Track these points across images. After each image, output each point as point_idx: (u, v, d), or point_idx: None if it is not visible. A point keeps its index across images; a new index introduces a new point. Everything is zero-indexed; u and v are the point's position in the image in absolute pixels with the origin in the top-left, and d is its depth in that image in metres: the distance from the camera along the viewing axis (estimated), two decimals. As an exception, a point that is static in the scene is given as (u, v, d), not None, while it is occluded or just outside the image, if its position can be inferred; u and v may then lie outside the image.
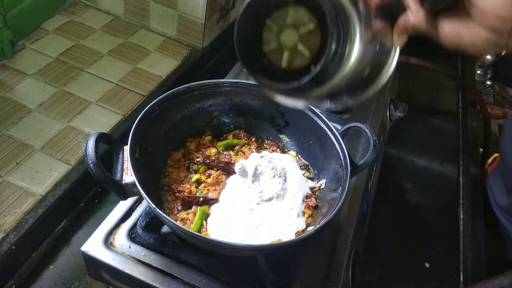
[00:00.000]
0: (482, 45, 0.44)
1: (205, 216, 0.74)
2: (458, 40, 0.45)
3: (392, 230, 0.95)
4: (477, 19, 0.43)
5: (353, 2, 0.47)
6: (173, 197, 0.77)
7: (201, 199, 0.76)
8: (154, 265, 0.71)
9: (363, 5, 0.47)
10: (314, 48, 0.49)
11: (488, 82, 1.89)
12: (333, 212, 0.67)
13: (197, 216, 0.73)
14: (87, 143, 0.66)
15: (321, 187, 0.82)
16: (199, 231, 0.72)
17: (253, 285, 0.70)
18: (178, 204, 0.76)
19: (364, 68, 0.50)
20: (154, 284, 0.69)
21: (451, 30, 0.45)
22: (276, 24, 0.51)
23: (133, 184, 0.67)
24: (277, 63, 0.52)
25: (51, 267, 0.81)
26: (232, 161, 0.83)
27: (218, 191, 0.78)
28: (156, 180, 0.79)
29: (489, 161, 1.27)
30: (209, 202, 0.76)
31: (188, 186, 0.79)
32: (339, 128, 0.82)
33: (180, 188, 0.78)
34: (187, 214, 0.75)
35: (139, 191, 0.65)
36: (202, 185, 0.79)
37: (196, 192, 0.78)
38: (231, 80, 0.88)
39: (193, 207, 0.75)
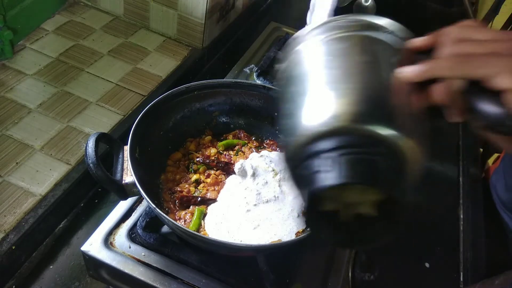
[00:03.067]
0: None
1: (203, 215, 0.74)
2: (498, 143, 0.46)
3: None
4: None
5: None
6: (172, 196, 0.77)
7: (199, 198, 0.76)
8: (154, 265, 0.71)
9: None
10: (378, 203, 0.46)
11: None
12: (333, 212, 0.67)
13: (195, 216, 0.73)
14: (87, 143, 0.66)
15: (321, 187, 0.82)
16: (198, 230, 0.72)
17: (253, 285, 0.70)
18: (177, 203, 0.76)
19: None
20: (154, 284, 0.69)
21: (494, 138, 0.46)
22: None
23: (133, 184, 0.67)
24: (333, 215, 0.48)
25: (51, 267, 0.81)
26: (232, 161, 0.83)
27: (218, 191, 0.78)
28: (156, 180, 0.79)
29: (492, 160, 1.27)
30: (207, 202, 0.76)
31: (187, 186, 0.79)
32: (339, 128, 0.81)
33: (179, 188, 0.78)
34: (185, 213, 0.75)
35: (139, 191, 0.65)
36: (202, 185, 0.79)
37: (195, 192, 0.78)
38: (231, 80, 0.88)
39: (191, 206, 0.75)
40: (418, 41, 0.49)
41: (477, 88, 0.42)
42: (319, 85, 0.47)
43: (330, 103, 0.44)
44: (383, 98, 0.45)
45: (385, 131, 0.42)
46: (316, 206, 0.46)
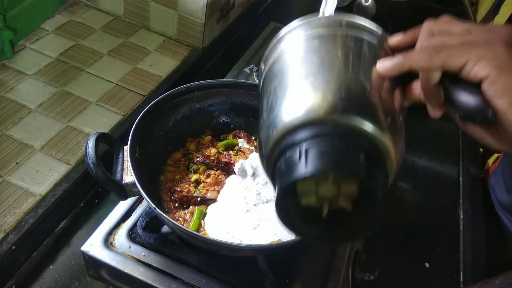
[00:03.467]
0: (503, 149, 0.45)
1: (203, 215, 0.74)
2: (480, 139, 0.46)
3: (392, 230, 0.95)
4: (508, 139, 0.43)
5: None
6: (172, 196, 0.77)
7: (199, 198, 0.76)
8: (154, 265, 0.71)
9: None
10: (354, 196, 0.46)
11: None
12: (333, 212, 0.67)
13: (195, 216, 0.73)
14: (87, 143, 0.66)
15: (321, 187, 0.82)
16: (197, 230, 0.72)
17: (253, 285, 0.70)
18: (176, 203, 0.76)
19: None
20: (154, 284, 0.69)
21: (475, 132, 0.46)
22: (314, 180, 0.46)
23: (133, 184, 0.67)
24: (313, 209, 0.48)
25: (51, 267, 0.81)
26: (232, 161, 0.83)
27: (218, 191, 0.78)
28: (156, 180, 0.79)
29: (491, 160, 1.27)
30: (207, 202, 0.76)
31: (187, 186, 0.79)
32: (339, 128, 0.81)
33: (179, 188, 0.78)
34: (185, 213, 0.75)
35: (139, 191, 0.65)
36: (202, 185, 0.79)
37: (195, 192, 0.78)
38: (231, 80, 0.88)
39: (191, 206, 0.76)
40: (397, 39, 0.49)
41: (453, 79, 0.43)
42: (296, 80, 0.47)
43: (306, 96, 0.44)
44: (361, 91, 0.45)
45: (360, 123, 0.41)
46: (289, 200, 0.46)
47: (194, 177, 0.80)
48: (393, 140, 0.43)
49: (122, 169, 0.70)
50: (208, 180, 0.79)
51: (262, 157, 0.48)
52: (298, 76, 0.47)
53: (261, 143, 0.47)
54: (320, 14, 0.61)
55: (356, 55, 0.48)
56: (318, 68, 0.46)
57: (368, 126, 0.42)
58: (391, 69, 0.46)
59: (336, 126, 0.42)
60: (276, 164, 0.45)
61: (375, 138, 0.42)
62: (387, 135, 0.43)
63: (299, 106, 0.43)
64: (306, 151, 0.41)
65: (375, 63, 0.47)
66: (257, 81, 0.68)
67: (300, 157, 0.41)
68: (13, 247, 0.77)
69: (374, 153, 0.42)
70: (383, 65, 0.46)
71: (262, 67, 0.53)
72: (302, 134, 0.42)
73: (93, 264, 0.72)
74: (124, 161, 0.71)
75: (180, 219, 0.74)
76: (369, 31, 0.50)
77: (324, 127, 0.42)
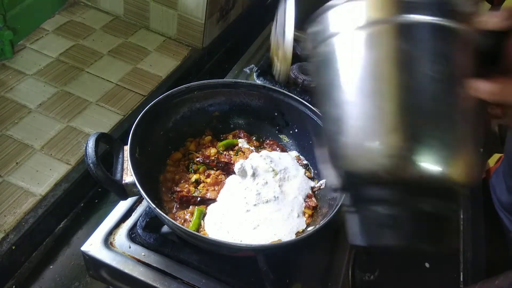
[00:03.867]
0: None
1: (203, 215, 0.74)
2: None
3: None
4: None
5: None
6: (172, 196, 0.77)
7: (199, 198, 0.76)
8: (154, 265, 0.71)
9: None
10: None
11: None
12: (333, 212, 0.67)
13: (194, 216, 0.73)
14: (87, 143, 0.66)
15: (321, 187, 0.82)
16: (197, 230, 0.72)
17: (253, 285, 0.70)
18: (176, 203, 0.76)
19: None
20: (154, 284, 0.69)
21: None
22: None
23: (133, 184, 0.67)
24: None
25: (51, 267, 0.81)
26: (232, 161, 0.83)
27: (217, 191, 0.78)
28: (156, 180, 0.79)
29: (492, 160, 1.27)
30: (206, 202, 0.76)
31: (187, 186, 0.79)
32: (339, 128, 0.81)
33: (179, 188, 0.78)
34: (185, 213, 0.75)
35: (139, 191, 0.65)
36: (202, 185, 0.79)
37: (195, 192, 0.78)
38: (231, 80, 0.88)
39: (191, 206, 0.75)
40: (490, 21, 0.38)
41: None
42: (363, 98, 0.39)
43: (381, 132, 0.37)
44: (445, 121, 0.37)
45: (445, 169, 0.36)
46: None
47: (194, 177, 0.80)
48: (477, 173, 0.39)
49: (122, 169, 0.70)
50: (208, 180, 0.79)
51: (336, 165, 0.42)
52: (366, 93, 0.38)
53: (332, 140, 0.41)
54: None
55: (430, 60, 0.37)
56: (385, 88, 0.38)
57: (453, 172, 0.37)
58: (489, 96, 0.38)
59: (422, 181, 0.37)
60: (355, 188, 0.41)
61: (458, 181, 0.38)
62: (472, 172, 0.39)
63: (377, 148, 0.37)
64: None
65: (458, 72, 0.38)
66: (305, 51, 0.57)
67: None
68: (13, 247, 0.77)
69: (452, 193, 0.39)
70: (479, 90, 0.38)
71: (313, 44, 0.44)
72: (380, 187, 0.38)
73: (93, 264, 0.72)
74: (124, 161, 0.71)
75: (180, 219, 0.74)
76: (444, 4, 0.38)
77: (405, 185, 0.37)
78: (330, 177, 0.43)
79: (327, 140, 0.42)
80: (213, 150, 0.85)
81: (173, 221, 0.65)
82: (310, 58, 0.45)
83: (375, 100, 0.38)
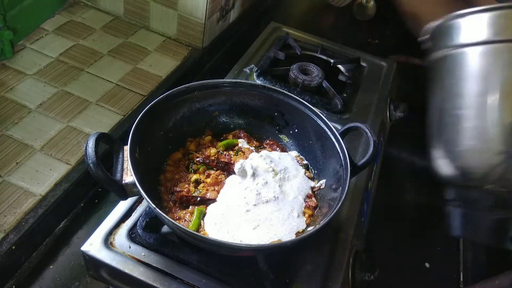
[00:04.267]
0: None
1: (203, 215, 0.74)
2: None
3: (392, 230, 0.95)
4: None
5: None
6: (172, 196, 0.77)
7: (199, 198, 0.76)
8: (154, 265, 0.71)
9: None
10: None
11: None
12: (333, 212, 0.67)
13: (194, 216, 0.73)
14: (87, 143, 0.66)
15: (321, 187, 0.82)
16: (197, 230, 0.72)
17: (253, 285, 0.70)
18: (176, 203, 0.76)
19: None
20: (154, 284, 0.69)
21: None
22: None
23: (133, 184, 0.67)
24: None
25: (51, 267, 0.81)
26: (232, 161, 0.83)
27: (217, 191, 0.78)
28: (156, 180, 0.79)
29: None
30: (206, 202, 0.76)
31: (187, 186, 0.79)
32: (339, 128, 0.82)
33: (179, 188, 0.78)
34: (185, 213, 0.75)
35: (139, 191, 0.65)
36: (201, 185, 0.79)
37: (195, 192, 0.78)
38: (231, 80, 0.88)
39: (191, 206, 0.75)
40: None
41: None
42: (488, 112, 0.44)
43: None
44: None
45: None
46: None
47: (194, 177, 0.80)
48: None
49: (122, 169, 0.70)
50: (208, 180, 0.79)
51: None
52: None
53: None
54: None
55: None
56: None
57: None
58: None
59: None
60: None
61: None
62: None
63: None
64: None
65: None
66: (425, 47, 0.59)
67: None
68: (13, 247, 0.77)
69: None
70: None
71: (436, 48, 0.49)
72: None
73: (93, 264, 0.72)
74: (124, 161, 0.71)
75: (181, 219, 0.74)
76: None
77: None
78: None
79: (444, 138, 0.46)
80: (213, 150, 0.85)
81: (173, 221, 0.65)
82: (429, 55, 0.48)
83: (499, 115, 0.43)
